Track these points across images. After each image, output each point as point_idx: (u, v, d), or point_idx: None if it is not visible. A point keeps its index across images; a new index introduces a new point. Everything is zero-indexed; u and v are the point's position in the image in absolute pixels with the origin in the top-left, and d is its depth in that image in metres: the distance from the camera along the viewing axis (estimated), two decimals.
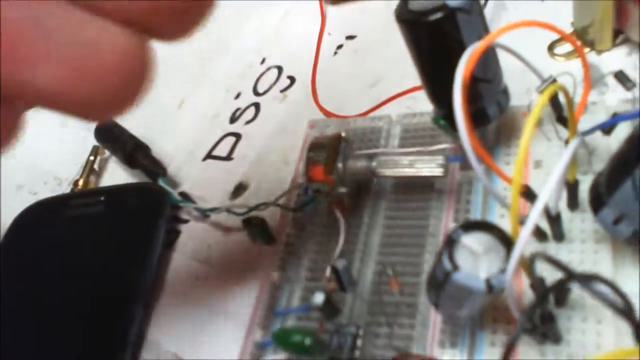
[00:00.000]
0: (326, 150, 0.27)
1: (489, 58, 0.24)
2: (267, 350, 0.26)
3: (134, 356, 0.30)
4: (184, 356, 0.29)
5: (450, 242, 0.18)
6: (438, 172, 0.26)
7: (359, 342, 0.24)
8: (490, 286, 0.18)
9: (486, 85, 0.25)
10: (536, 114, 0.19)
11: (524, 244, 0.17)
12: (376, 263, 0.26)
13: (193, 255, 0.33)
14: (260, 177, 0.34)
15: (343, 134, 0.27)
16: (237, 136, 0.37)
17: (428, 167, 0.26)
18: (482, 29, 0.23)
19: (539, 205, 0.19)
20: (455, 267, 0.18)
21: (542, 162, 0.26)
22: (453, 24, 0.22)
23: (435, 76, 0.24)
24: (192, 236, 0.34)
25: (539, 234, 0.23)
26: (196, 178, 0.37)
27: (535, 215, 0.18)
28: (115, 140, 0.37)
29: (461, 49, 0.23)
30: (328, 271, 0.27)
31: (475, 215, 0.26)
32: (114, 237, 0.35)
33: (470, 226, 0.19)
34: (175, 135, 0.40)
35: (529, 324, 0.20)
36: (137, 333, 0.30)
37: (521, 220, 0.23)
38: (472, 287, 0.18)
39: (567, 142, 0.24)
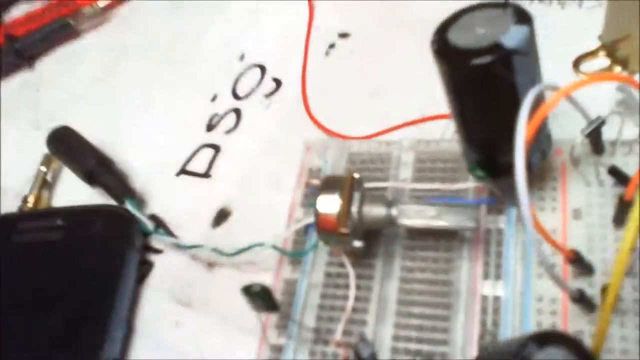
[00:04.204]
0: (339, 195, 0.23)
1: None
2: None
3: None
4: None
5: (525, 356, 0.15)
6: (469, 224, 0.22)
7: None
8: None
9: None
10: None
11: None
12: (394, 326, 0.23)
13: (171, 295, 0.29)
14: (246, 202, 0.30)
15: (356, 175, 0.23)
16: (216, 148, 0.33)
17: (458, 219, 0.22)
18: (537, 71, 0.20)
19: None
20: None
21: (581, 211, 0.23)
22: (507, 67, 0.18)
23: (476, 121, 0.20)
24: (169, 271, 0.30)
25: (587, 305, 0.20)
26: (169, 197, 0.32)
27: None
28: (73, 153, 0.32)
29: (511, 93, 0.19)
30: (338, 333, 0.23)
31: (508, 270, 0.23)
32: (76, 271, 0.30)
33: (544, 339, 0.15)
34: (142, 143, 0.34)
35: None
36: None
37: (562, 285, 0.20)
38: None
39: (623, 200, 0.21)
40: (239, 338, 0.26)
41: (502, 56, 0.18)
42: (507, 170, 0.21)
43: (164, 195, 0.32)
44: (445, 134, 0.27)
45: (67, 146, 0.32)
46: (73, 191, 0.34)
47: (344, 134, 0.29)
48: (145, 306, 0.29)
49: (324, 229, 0.23)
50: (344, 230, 0.22)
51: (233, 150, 0.32)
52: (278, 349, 0.24)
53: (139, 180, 0.33)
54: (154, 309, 0.29)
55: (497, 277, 0.23)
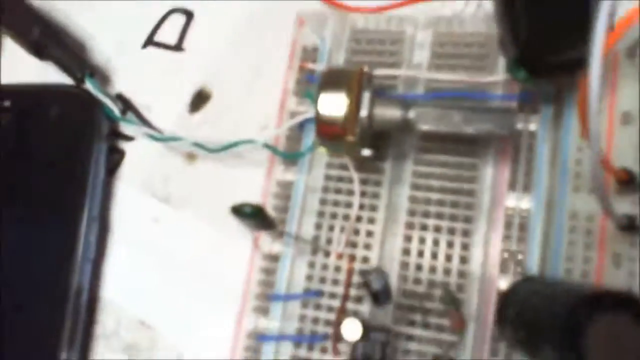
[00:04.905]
0: (346, 94, 0.18)
1: None
2: (267, 344, 0.21)
3: (88, 320, 0.24)
4: (153, 323, 0.24)
5: (576, 326, 0.13)
6: (501, 132, 0.19)
7: (388, 350, 0.19)
8: None
9: None
10: None
11: None
12: (404, 238, 0.21)
13: (146, 188, 0.26)
14: (228, 83, 0.26)
15: (365, 69, 0.19)
16: (188, 14, 0.27)
17: (489, 126, 0.19)
18: None
19: None
20: None
21: (630, 115, 0.19)
22: None
23: (526, 14, 0.16)
24: (143, 161, 0.26)
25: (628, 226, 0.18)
26: (135, 74, 0.27)
27: None
28: (11, 18, 0.26)
29: None
30: (341, 245, 0.21)
31: (539, 180, 0.20)
32: (31, 164, 0.26)
33: (602, 300, 0.13)
34: (98, 5, 0.29)
35: None
36: (86, 291, 0.24)
37: (612, 215, 0.17)
38: None
39: None
40: (226, 238, 0.23)
41: None
42: (557, 69, 0.17)
43: (129, 71, 0.27)
44: (469, 7, 0.22)
45: (2, 8, 0.26)
46: (21, 65, 0.29)
47: (345, 4, 0.24)
48: (120, 201, 0.26)
49: (327, 135, 0.19)
50: (351, 138, 0.19)
51: (209, 17, 0.27)
52: (273, 258, 0.22)
53: (98, 53, 0.28)
54: (129, 204, 0.26)
55: (526, 188, 0.20)
